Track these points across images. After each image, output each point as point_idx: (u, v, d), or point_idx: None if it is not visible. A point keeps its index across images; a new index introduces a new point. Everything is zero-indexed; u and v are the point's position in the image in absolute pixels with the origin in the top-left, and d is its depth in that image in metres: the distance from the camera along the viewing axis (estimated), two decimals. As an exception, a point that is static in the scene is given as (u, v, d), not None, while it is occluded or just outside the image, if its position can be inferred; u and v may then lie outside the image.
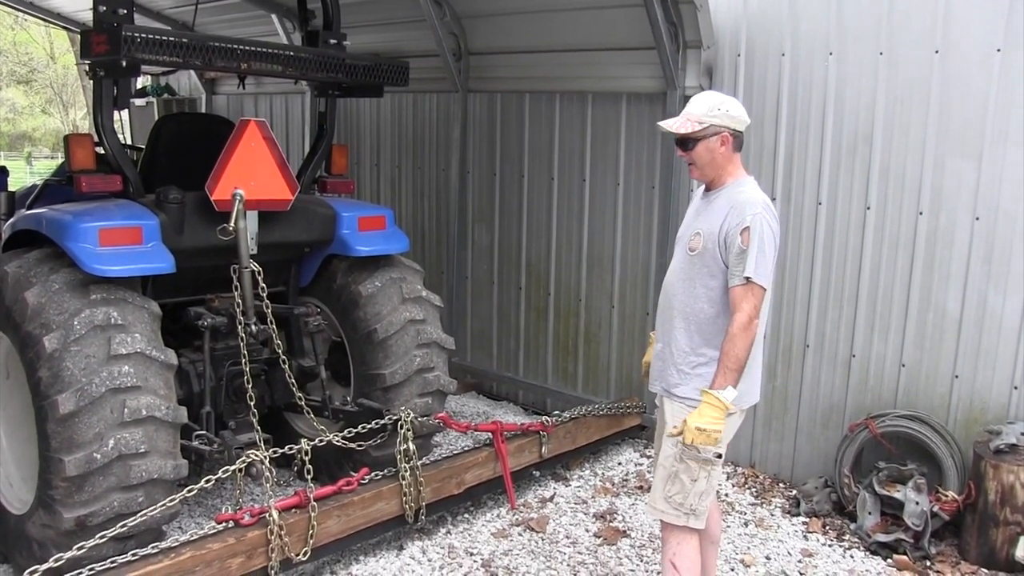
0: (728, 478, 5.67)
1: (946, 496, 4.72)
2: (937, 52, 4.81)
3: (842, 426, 5.31)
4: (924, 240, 4.97)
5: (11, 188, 6.26)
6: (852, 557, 4.74)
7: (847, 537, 4.93)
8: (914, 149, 4.96)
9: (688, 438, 3.29)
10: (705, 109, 3.43)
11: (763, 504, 5.35)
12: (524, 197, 6.95)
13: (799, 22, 5.31)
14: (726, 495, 5.44)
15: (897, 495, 4.80)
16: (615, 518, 5.13)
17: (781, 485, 5.59)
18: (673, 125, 3.48)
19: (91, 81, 4.56)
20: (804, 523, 5.10)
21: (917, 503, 4.69)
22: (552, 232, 6.79)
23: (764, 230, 3.32)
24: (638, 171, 6.20)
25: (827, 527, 5.04)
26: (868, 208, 5.15)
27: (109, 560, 3.66)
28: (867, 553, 4.77)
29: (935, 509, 4.70)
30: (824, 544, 4.88)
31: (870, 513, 4.89)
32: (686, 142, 3.47)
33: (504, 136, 7.04)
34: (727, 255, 3.37)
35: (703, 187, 3.65)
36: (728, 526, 5.02)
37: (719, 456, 3.46)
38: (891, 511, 4.86)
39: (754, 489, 5.54)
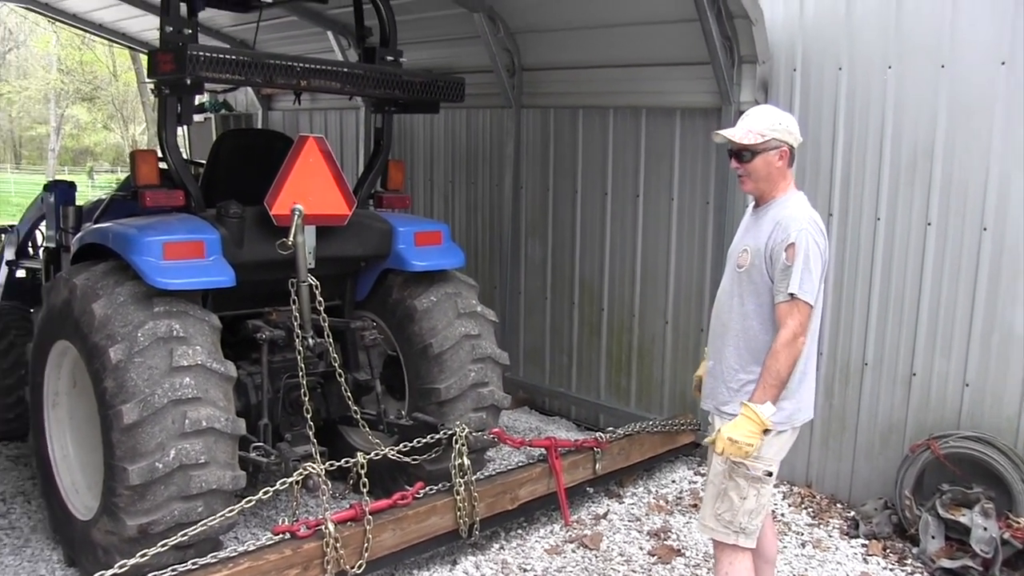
0: (784, 497, 5.59)
1: (1018, 523, 4.56)
2: (1004, 64, 4.72)
3: (902, 446, 5.20)
4: (989, 257, 4.85)
5: (77, 202, 6.43)
6: (914, 581, 4.64)
7: (909, 561, 4.81)
8: (978, 163, 4.85)
9: (719, 447, 3.32)
10: (768, 123, 3.44)
11: (820, 525, 5.26)
12: (577, 212, 6.94)
13: (856, 35, 5.25)
14: (782, 515, 5.35)
15: (963, 519, 4.66)
16: (669, 536, 5.08)
17: (839, 506, 5.48)
18: (735, 135, 3.45)
19: (154, 98, 4.67)
20: (863, 545, 4.99)
21: (985, 529, 4.55)
22: (605, 247, 6.77)
23: (810, 246, 3.30)
24: (692, 186, 6.17)
25: (888, 550, 4.93)
26: (929, 224, 5.05)
27: (170, 568, 3.72)
28: (930, 578, 4.66)
29: (1005, 536, 4.54)
30: (885, 568, 4.77)
31: (933, 537, 4.76)
32: (741, 154, 3.46)
33: (557, 151, 7.05)
34: (773, 271, 3.36)
35: (753, 203, 3.63)
36: (784, 546, 4.94)
37: (769, 474, 3.43)
38: (956, 536, 4.72)
39: (811, 509, 5.45)
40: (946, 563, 4.63)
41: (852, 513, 5.32)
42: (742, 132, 3.45)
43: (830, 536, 5.12)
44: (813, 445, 5.63)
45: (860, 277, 5.36)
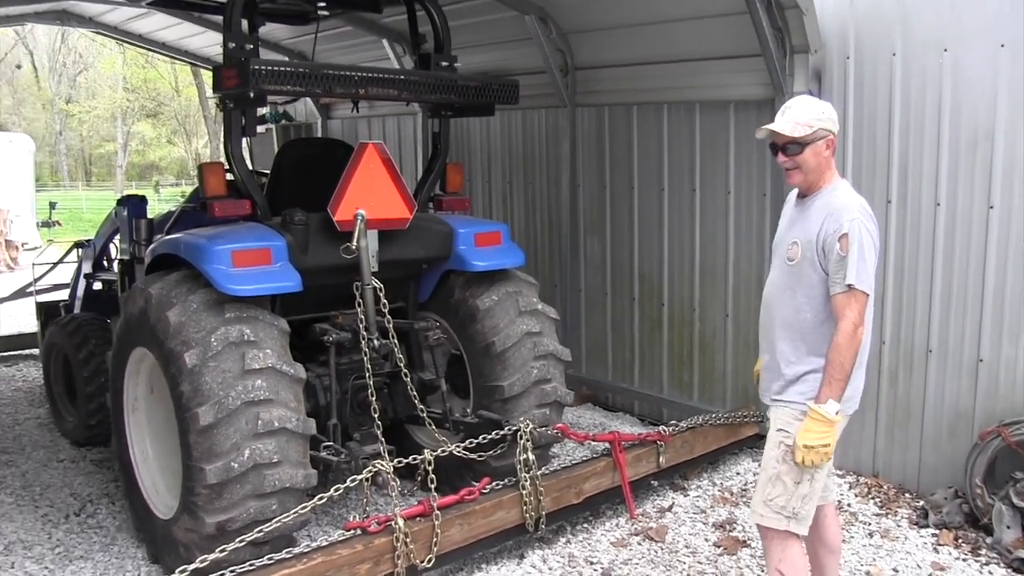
0: (850, 487, 5.54)
1: (1094, 509, 4.48)
2: (1065, 41, 4.63)
3: (971, 434, 5.11)
4: (1055, 239, 4.77)
5: (148, 215, 6.66)
6: (991, 574, 4.55)
7: (983, 552, 4.73)
8: (1042, 145, 4.77)
9: (798, 457, 3.33)
10: (813, 114, 3.43)
11: (888, 515, 5.20)
12: (635, 208, 6.97)
13: (910, 20, 5.19)
14: (848, 505, 5.31)
15: (1038, 508, 4.58)
16: (734, 528, 5.09)
17: (907, 495, 5.41)
18: (784, 129, 3.42)
19: (218, 112, 4.83)
20: (934, 535, 4.93)
21: (1062, 517, 4.47)
22: (664, 242, 6.79)
23: (863, 235, 3.30)
24: (748, 179, 6.15)
25: (960, 540, 4.85)
26: (991, 207, 4.97)
27: (248, 563, 3.87)
28: (1009, 570, 4.55)
29: (1083, 523, 4.46)
30: (957, 558, 4.70)
31: (1008, 527, 4.67)
32: (788, 147, 3.44)
33: (613, 148, 7.09)
34: (826, 262, 3.35)
35: (795, 194, 3.63)
36: (851, 536, 4.91)
37: None
38: (1032, 525, 4.65)
39: (878, 499, 5.39)
40: None
41: (921, 503, 5.25)
42: (790, 125, 3.41)
43: (898, 526, 5.07)
44: (878, 434, 5.58)
45: (921, 264, 5.30)
